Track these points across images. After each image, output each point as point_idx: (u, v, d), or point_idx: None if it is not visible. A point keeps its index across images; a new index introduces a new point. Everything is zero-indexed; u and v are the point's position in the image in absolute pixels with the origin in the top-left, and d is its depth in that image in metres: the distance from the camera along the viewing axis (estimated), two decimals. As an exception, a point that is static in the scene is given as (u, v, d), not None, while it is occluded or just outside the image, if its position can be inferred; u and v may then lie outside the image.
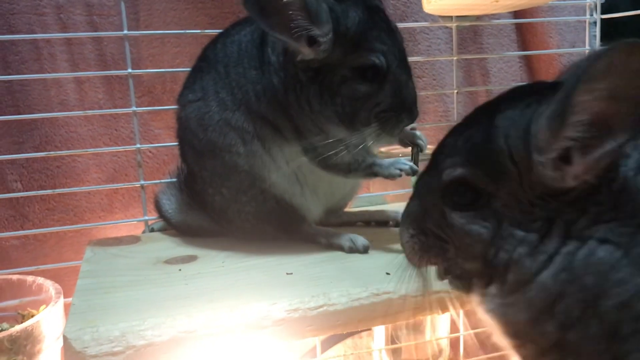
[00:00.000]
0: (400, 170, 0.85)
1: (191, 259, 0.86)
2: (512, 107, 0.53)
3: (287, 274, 0.78)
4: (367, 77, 0.79)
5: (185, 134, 0.91)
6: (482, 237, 0.53)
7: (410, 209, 0.61)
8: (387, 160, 0.89)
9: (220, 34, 0.94)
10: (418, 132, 0.91)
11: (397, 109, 0.81)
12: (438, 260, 0.59)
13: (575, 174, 0.49)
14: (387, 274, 0.75)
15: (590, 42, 1.33)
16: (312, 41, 0.78)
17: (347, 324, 0.70)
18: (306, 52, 0.79)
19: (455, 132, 0.58)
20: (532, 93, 0.54)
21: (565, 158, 0.49)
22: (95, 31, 1.19)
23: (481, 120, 0.55)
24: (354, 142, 0.82)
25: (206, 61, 0.91)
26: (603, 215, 0.49)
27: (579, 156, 0.48)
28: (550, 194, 0.50)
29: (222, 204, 0.89)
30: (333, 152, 0.83)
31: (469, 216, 0.54)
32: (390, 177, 0.86)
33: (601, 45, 1.32)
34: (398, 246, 0.87)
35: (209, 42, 0.94)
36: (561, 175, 0.49)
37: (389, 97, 0.80)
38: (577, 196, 0.49)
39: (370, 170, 0.87)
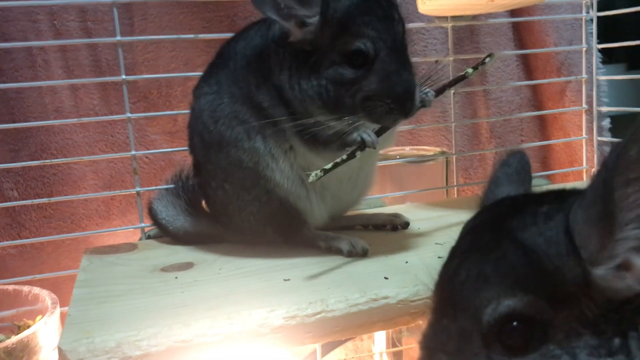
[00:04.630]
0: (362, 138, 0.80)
1: (188, 266, 0.86)
2: (528, 219, 0.45)
3: (285, 280, 0.77)
4: (354, 63, 0.78)
5: (196, 124, 0.91)
6: None
7: None
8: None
9: (237, 32, 0.94)
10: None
11: (385, 98, 0.77)
12: None
13: None
14: (386, 278, 0.75)
15: (587, 39, 1.32)
16: (301, 22, 0.79)
17: (345, 330, 0.70)
18: (296, 33, 0.80)
19: (463, 264, 0.47)
20: (527, 203, 0.47)
21: (625, 263, 0.42)
22: (90, 37, 1.19)
23: (495, 243, 0.45)
24: (340, 127, 0.81)
25: (222, 57, 0.92)
26: None
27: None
28: (618, 305, 0.43)
29: (224, 199, 0.89)
30: (321, 129, 0.81)
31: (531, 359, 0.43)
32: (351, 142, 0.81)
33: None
34: (396, 250, 0.87)
35: (228, 39, 0.94)
36: (627, 284, 0.42)
37: (373, 84, 0.78)
38: None
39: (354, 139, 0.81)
